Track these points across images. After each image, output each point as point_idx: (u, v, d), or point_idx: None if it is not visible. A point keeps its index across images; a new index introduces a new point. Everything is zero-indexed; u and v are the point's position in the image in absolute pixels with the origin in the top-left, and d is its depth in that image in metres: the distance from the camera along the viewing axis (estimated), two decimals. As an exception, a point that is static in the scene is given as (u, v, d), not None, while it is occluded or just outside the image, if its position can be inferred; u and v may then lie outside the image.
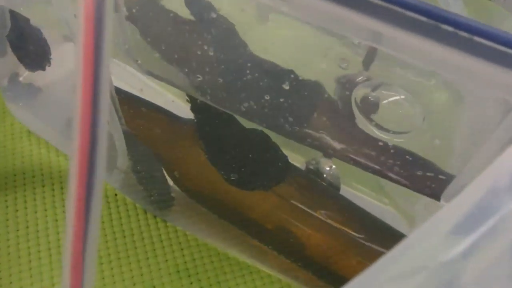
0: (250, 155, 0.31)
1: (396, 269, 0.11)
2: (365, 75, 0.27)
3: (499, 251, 0.10)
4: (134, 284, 0.37)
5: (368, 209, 0.33)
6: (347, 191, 0.34)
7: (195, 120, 0.31)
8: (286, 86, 0.22)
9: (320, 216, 0.34)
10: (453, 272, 0.10)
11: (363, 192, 0.34)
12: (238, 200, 0.35)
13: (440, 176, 0.22)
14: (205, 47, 0.22)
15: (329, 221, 0.34)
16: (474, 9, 0.38)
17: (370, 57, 0.26)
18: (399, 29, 0.16)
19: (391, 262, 0.11)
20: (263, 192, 0.34)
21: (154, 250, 0.39)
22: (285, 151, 0.31)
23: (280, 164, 0.32)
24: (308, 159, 0.34)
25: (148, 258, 0.38)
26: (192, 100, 0.29)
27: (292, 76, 0.22)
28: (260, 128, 0.28)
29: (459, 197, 0.11)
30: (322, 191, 0.34)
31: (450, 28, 0.16)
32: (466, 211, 0.11)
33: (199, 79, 0.23)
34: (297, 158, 0.33)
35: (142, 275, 0.37)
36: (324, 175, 0.34)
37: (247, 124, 0.28)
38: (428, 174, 0.23)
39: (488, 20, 0.39)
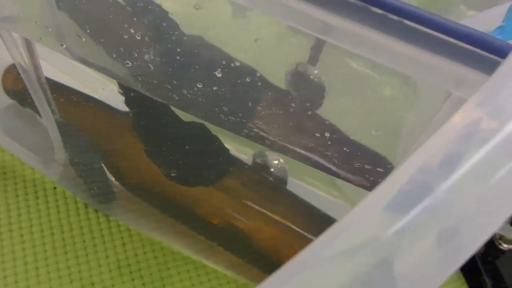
0: (189, 149, 0.30)
1: (334, 247, 0.11)
2: (312, 69, 0.26)
3: (431, 230, 0.10)
4: (71, 282, 0.35)
5: (318, 202, 0.33)
6: (297, 184, 0.33)
7: (131, 113, 0.29)
8: (218, 74, 0.21)
9: (266, 211, 0.33)
10: (388, 250, 0.10)
11: (313, 185, 0.33)
12: (181, 195, 0.34)
13: (378, 169, 0.22)
14: (132, 30, 0.21)
15: (275, 215, 0.33)
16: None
17: (317, 50, 0.25)
18: (330, 12, 0.15)
19: (329, 240, 0.11)
20: (206, 187, 0.33)
21: (95, 245, 0.37)
22: (232, 144, 0.29)
23: (221, 158, 0.31)
24: (255, 152, 0.33)
25: (87, 254, 0.36)
26: (125, 93, 0.28)
27: (224, 62, 0.21)
28: (199, 121, 0.27)
29: (393, 174, 0.11)
30: (268, 186, 0.33)
31: (379, 11, 0.15)
32: (399, 188, 0.11)
33: (129, 65, 0.22)
34: (245, 151, 0.32)
35: (80, 271, 0.35)
36: (272, 169, 0.33)
37: (187, 117, 0.27)
38: (366, 166, 0.22)
39: (440, 10, 0.39)
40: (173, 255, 0.38)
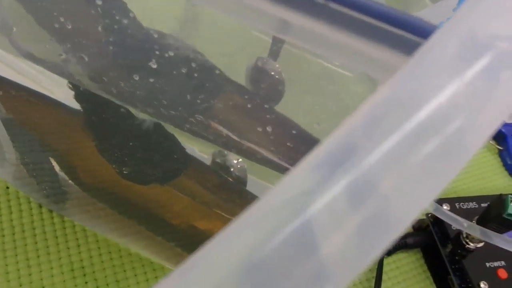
0: (142, 146, 0.29)
1: (261, 209, 0.11)
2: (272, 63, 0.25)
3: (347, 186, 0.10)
4: (20, 285, 0.34)
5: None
6: (259, 183, 0.32)
7: (82, 110, 0.28)
8: (153, 65, 0.19)
9: (225, 212, 0.32)
10: (304, 202, 0.10)
11: (272, 183, 0.32)
12: (137, 195, 0.33)
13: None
14: (62, 19, 0.19)
15: (235, 217, 0.32)
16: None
17: (276, 46, 0.24)
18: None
19: (258, 205, 0.11)
20: (161, 186, 0.32)
21: (47, 247, 0.36)
22: (192, 142, 0.28)
23: (176, 156, 0.30)
24: (214, 152, 0.32)
25: (39, 256, 0.35)
26: (75, 88, 0.26)
27: (158, 53, 0.19)
28: (153, 118, 0.26)
29: (326, 138, 0.11)
30: (227, 186, 0.32)
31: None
32: (323, 149, 0.11)
33: (62, 56, 0.21)
34: (204, 150, 0.31)
35: (30, 274, 0.34)
36: (231, 169, 0.31)
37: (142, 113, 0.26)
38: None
39: (401, 2, 0.38)
40: (130, 257, 0.37)
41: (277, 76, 0.26)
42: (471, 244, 0.40)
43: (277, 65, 0.26)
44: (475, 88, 0.11)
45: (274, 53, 0.25)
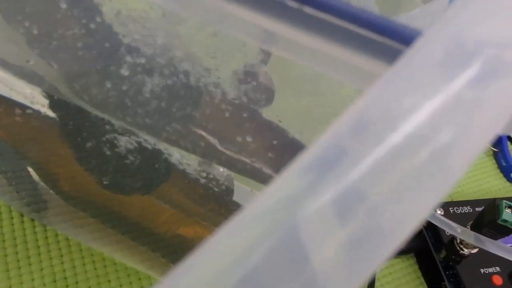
0: (121, 155, 0.28)
1: (248, 215, 0.10)
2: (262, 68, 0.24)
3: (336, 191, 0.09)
4: (0, 298, 0.32)
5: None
6: (246, 190, 0.31)
7: (57, 118, 0.27)
8: (125, 72, 0.18)
9: (210, 222, 0.31)
10: (292, 209, 0.09)
11: (259, 190, 0.31)
12: (117, 204, 0.32)
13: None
14: (27, 24, 0.18)
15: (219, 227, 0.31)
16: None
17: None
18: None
19: (244, 211, 0.10)
20: (143, 196, 0.30)
21: (28, 257, 0.35)
22: (177, 151, 0.27)
23: (157, 165, 0.29)
24: (200, 160, 0.31)
25: (20, 267, 0.34)
26: (49, 96, 0.25)
27: (130, 59, 0.18)
28: (130, 127, 0.25)
29: (313, 143, 0.10)
30: (212, 196, 0.31)
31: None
32: (310, 152, 0.10)
33: (30, 63, 0.20)
34: (191, 158, 0.30)
35: (10, 286, 0.33)
36: (218, 177, 0.30)
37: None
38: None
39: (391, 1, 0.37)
40: (115, 266, 0.36)
41: (265, 82, 0.25)
42: (466, 249, 0.39)
43: (265, 69, 0.25)
44: (463, 99, 0.10)
45: (264, 57, 0.24)
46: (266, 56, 0.24)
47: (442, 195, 0.09)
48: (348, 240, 0.09)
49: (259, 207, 0.09)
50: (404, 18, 0.31)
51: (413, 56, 0.10)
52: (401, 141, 0.09)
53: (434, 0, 0.31)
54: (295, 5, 0.12)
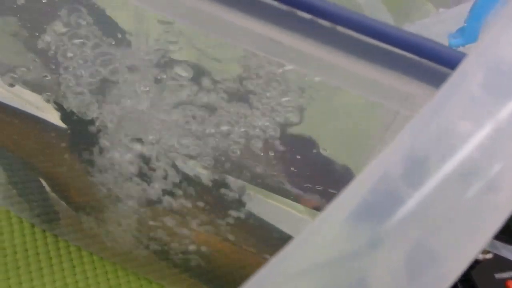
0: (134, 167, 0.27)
1: (293, 267, 0.10)
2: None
3: (403, 243, 0.09)
4: (13, 310, 0.32)
5: (282, 218, 0.30)
6: (259, 199, 0.31)
7: (68, 131, 0.27)
8: (144, 88, 0.18)
9: (224, 232, 0.31)
10: (361, 265, 0.09)
11: (277, 200, 0.30)
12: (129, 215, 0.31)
13: (330, 190, 0.19)
14: (45, 40, 0.18)
15: (233, 236, 0.31)
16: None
17: None
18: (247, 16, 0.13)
19: (287, 259, 0.10)
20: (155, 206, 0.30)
21: (41, 268, 0.34)
22: (190, 161, 0.27)
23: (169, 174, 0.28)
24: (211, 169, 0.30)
25: (32, 280, 0.34)
26: (60, 109, 0.25)
27: (151, 77, 0.18)
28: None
29: (352, 184, 0.10)
30: (226, 206, 0.31)
31: (307, 15, 0.12)
32: (361, 198, 0.10)
33: (47, 78, 0.19)
34: (199, 166, 0.29)
35: (23, 299, 0.33)
36: (230, 186, 0.30)
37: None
38: (317, 187, 0.20)
39: (404, 7, 0.37)
40: (127, 277, 0.36)
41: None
42: (480, 255, 0.39)
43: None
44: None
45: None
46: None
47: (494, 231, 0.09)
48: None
49: (316, 256, 0.09)
50: (418, 26, 0.30)
51: (459, 82, 0.10)
52: (454, 179, 0.09)
53: (449, 8, 0.30)
54: (328, 24, 0.12)
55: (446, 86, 0.10)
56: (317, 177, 0.20)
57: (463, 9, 0.29)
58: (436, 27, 0.30)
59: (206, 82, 0.19)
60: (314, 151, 0.19)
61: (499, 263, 0.39)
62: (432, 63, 0.11)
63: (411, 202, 0.09)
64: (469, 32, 0.19)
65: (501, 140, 0.09)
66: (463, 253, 0.09)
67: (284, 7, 0.12)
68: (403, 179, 0.09)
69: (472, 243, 0.09)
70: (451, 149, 0.09)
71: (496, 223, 0.09)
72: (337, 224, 0.10)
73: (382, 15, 0.34)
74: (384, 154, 0.10)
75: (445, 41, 0.18)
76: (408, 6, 0.37)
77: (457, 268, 0.09)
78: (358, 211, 0.09)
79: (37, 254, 0.35)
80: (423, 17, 0.34)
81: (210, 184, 0.27)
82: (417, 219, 0.09)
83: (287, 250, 0.10)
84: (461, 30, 0.20)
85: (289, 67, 0.16)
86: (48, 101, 0.23)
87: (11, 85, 0.22)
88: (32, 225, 0.36)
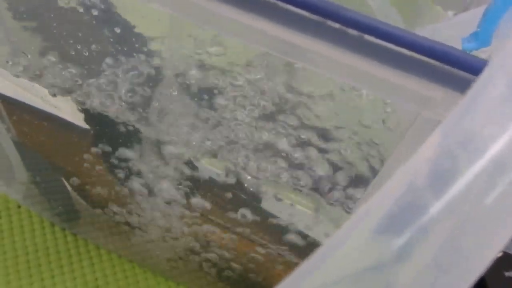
0: (154, 167, 0.28)
1: (319, 279, 0.10)
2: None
3: (428, 253, 0.10)
4: (35, 307, 0.33)
5: (295, 215, 0.31)
6: (271, 197, 0.31)
7: (92, 132, 0.28)
8: (173, 92, 0.19)
9: (239, 230, 0.32)
10: (386, 278, 0.09)
11: (289, 198, 0.31)
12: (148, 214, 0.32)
13: (351, 189, 0.20)
14: (78, 46, 0.19)
15: (248, 234, 0.32)
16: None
17: None
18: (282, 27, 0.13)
19: (312, 270, 0.10)
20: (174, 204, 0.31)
21: (61, 266, 0.35)
22: (204, 158, 0.28)
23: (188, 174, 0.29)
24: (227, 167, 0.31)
25: (53, 276, 0.35)
26: (85, 111, 0.26)
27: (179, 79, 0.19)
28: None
29: (377, 196, 0.10)
30: (241, 204, 0.31)
31: (336, 25, 0.13)
32: (387, 210, 0.10)
33: (79, 82, 0.20)
34: (217, 165, 0.30)
35: (45, 295, 0.34)
36: (245, 184, 0.31)
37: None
38: (338, 187, 0.20)
39: (414, 11, 0.37)
40: (145, 274, 0.37)
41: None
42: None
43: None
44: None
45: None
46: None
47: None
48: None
49: (345, 269, 0.10)
50: (430, 31, 0.31)
51: (484, 88, 0.11)
52: (480, 183, 0.10)
53: (457, 11, 0.31)
54: (355, 33, 0.13)
55: (471, 92, 0.11)
56: (338, 177, 0.21)
57: (473, 14, 0.30)
58: (447, 31, 0.31)
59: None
60: (336, 151, 0.20)
61: (509, 261, 0.40)
62: (454, 68, 0.12)
63: (437, 212, 0.09)
64: (483, 36, 0.20)
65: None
66: (487, 253, 0.10)
67: (314, 17, 0.13)
68: (429, 189, 0.10)
69: (495, 243, 0.10)
70: (477, 154, 0.10)
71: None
72: (363, 236, 0.10)
73: (393, 18, 0.35)
74: (409, 164, 0.10)
75: (456, 46, 0.19)
76: (418, 10, 0.38)
77: (479, 269, 0.10)
78: (384, 222, 0.10)
79: (58, 252, 0.36)
80: (433, 20, 0.35)
81: (230, 183, 0.28)
82: (443, 227, 0.09)
83: (312, 261, 0.10)
84: (475, 35, 0.21)
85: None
86: (78, 106, 0.24)
87: (54, 95, 0.23)
88: (52, 224, 0.37)
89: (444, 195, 0.10)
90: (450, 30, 0.30)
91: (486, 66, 0.11)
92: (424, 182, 0.10)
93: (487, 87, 0.11)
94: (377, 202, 0.10)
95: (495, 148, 0.10)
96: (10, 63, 0.22)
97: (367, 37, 0.13)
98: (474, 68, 0.12)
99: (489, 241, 0.10)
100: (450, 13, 0.39)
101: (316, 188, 0.21)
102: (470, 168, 0.10)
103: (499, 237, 0.10)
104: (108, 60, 0.20)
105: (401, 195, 0.10)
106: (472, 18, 0.26)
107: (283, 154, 0.21)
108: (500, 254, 0.40)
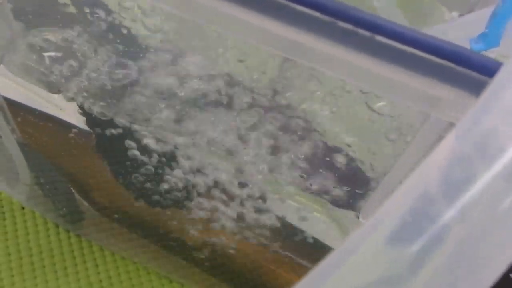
0: (156, 171, 0.28)
1: (333, 286, 0.10)
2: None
3: (442, 262, 0.10)
4: (40, 308, 0.33)
5: (300, 218, 0.31)
6: (276, 199, 0.31)
7: (94, 134, 0.27)
8: (180, 92, 0.19)
9: (243, 231, 0.32)
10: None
11: (295, 200, 0.31)
12: (152, 215, 0.32)
13: (357, 191, 0.20)
14: (80, 47, 0.19)
15: (252, 235, 0.31)
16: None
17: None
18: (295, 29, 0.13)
19: (326, 276, 0.10)
20: (178, 208, 0.31)
21: (65, 268, 0.35)
22: (210, 159, 0.28)
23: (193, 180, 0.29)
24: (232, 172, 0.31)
25: (57, 278, 0.35)
26: (86, 114, 0.26)
27: (183, 82, 0.19)
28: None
29: (388, 204, 0.10)
30: (246, 204, 0.31)
31: (349, 26, 0.13)
32: (399, 219, 0.10)
33: (84, 83, 0.20)
34: (222, 165, 0.30)
35: (49, 297, 0.34)
36: (250, 185, 0.31)
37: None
38: (344, 188, 0.20)
39: (418, 12, 0.37)
40: (149, 276, 0.37)
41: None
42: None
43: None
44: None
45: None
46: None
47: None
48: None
49: (358, 280, 0.09)
50: (436, 31, 0.31)
51: (500, 90, 0.11)
52: (496, 189, 0.09)
53: (462, 12, 0.31)
54: (367, 34, 0.13)
55: (486, 94, 0.11)
56: (345, 178, 0.20)
57: (479, 15, 0.30)
58: (453, 32, 0.31)
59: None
60: (344, 152, 0.20)
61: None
62: (466, 69, 0.12)
63: (451, 220, 0.09)
64: (491, 37, 0.20)
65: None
66: (501, 260, 0.10)
67: (325, 18, 0.13)
68: (442, 197, 0.10)
69: (509, 249, 0.10)
70: (493, 158, 0.10)
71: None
72: (376, 244, 0.10)
73: (398, 19, 0.35)
74: (421, 169, 0.10)
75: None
76: (423, 10, 0.38)
77: (493, 276, 0.10)
78: (397, 231, 0.10)
79: (62, 253, 0.36)
80: (438, 21, 0.35)
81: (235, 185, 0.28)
82: (457, 235, 0.09)
83: (326, 268, 0.10)
84: (483, 35, 0.21)
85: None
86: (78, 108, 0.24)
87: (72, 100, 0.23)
88: (57, 226, 0.37)
89: (458, 202, 0.10)
90: (456, 31, 0.29)
91: (501, 67, 0.11)
92: (437, 189, 0.10)
93: (503, 89, 0.11)
94: (389, 209, 0.10)
95: (511, 152, 0.10)
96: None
97: (378, 37, 0.13)
98: (488, 69, 0.12)
99: (504, 248, 0.10)
100: (454, 14, 0.39)
101: (322, 191, 0.21)
102: (485, 173, 0.10)
103: None
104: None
105: (413, 202, 0.10)
106: (478, 19, 0.26)
107: (289, 157, 0.21)
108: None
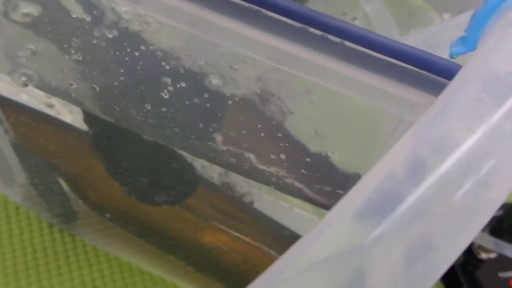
0: (152, 168, 0.29)
1: (302, 262, 0.10)
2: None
3: (402, 240, 0.10)
4: (33, 307, 0.33)
5: (290, 218, 0.31)
6: (267, 199, 0.32)
7: (90, 132, 0.28)
8: (165, 95, 0.19)
9: (234, 230, 0.32)
10: (360, 259, 0.10)
11: (285, 200, 0.32)
12: (146, 214, 0.33)
13: (339, 191, 0.20)
14: (72, 51, 0.19)
15: (243, 235, 0.32)
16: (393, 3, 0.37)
17: None
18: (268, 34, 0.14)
19: (296, 255, 0.10)
20: (171, 206, 0.31)
21: (59, 267, 0.36)
22: (201, 161, 0.28)
23: (185, 177, 0.30)
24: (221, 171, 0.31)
25: (51, 277, 0.35)
26: (83, 111, 0.26)
27: (170, 83, 0.19)
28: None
29: (358, 184, 0.11)
30: (235, 205, 0.32)
31: (318, 32, 0.13)
32: (366, 197, 0.10)
33: (73, 86, 0.21)
34: (213, 168, 0.31)
35: (43, 296, 0.34)
36: (239, 187, 0.31)
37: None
38: (326, 188, 0.21)
39: (407, 15, 0.38)
40: (142, 275, 0.37)
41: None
42: (484, 254, 0.40)
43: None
44: (504, 130, 0.11)
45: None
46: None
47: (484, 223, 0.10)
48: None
49: (322, 250, 0.10)
50: (424, 34, 0.31)
51: (456, 91, 0.11)
52: (451, 177, 0.10)
53: (455, 17, 0.31)
54: (337, 40, 0.13)
55: (443, 95, 0.11)
56: (325, 178, 0.21)
57: (468, 18, 0.30)
58: (441, 34, 0.31)
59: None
60: (323, 154, 0.20)
61: (503, 262, 0.40)
62: (432, 74, 0.13)
63: (412, 200, 0.10)
64: (470, 41, 0.20)
65: (492, 143, 0.10)
66: (456, 244, 0.10)
67: (298, 24, 0.13)
68: (406, 179, 0.10)
69: (465, 235, 0.10)
70: (448, 151, 0.10)
71: (487, 217, 0.10)
72: (343, 222, 0.10)
73: (388, 22, 0.35)
74: (388, 156, 0.11)
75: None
76: (412, 13, 0.38)
77: (450, 258, 0.10)
78: (363, 208, 0.10)
79: (56, 253, 0.36)
80: (427, 24, 0.35)
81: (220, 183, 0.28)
82: (417, 214, 0.10)
83: (295, 249, 0.10)
84: (462, 39, 0.21)
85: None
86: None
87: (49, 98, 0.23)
88: (51, 225, 0.37)
89: (419, 186, 0.10)
90: (446, 33, 0.30)
91: (459, 71, 0.12)
92: (401, 173, 0.10)
93: (459, 91, 0.11)
94: (358, 190, 0.11)
95: (462, 149, 0.10)
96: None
97: (347, 43, 0.13)
98: (451, 72, 0.12)
99: (457, 236, 0.10)
100: (446, 15, 0.40)
101: (306, 190, 0.22)
102: (440, 166, 0.10)
103: (466, 233, 0.10)
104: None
105: (380, 183, 0.10)
106: (465, 22, 0.26)
107: (275, 156, 0.21)
108: (494, 256, 0.40)
